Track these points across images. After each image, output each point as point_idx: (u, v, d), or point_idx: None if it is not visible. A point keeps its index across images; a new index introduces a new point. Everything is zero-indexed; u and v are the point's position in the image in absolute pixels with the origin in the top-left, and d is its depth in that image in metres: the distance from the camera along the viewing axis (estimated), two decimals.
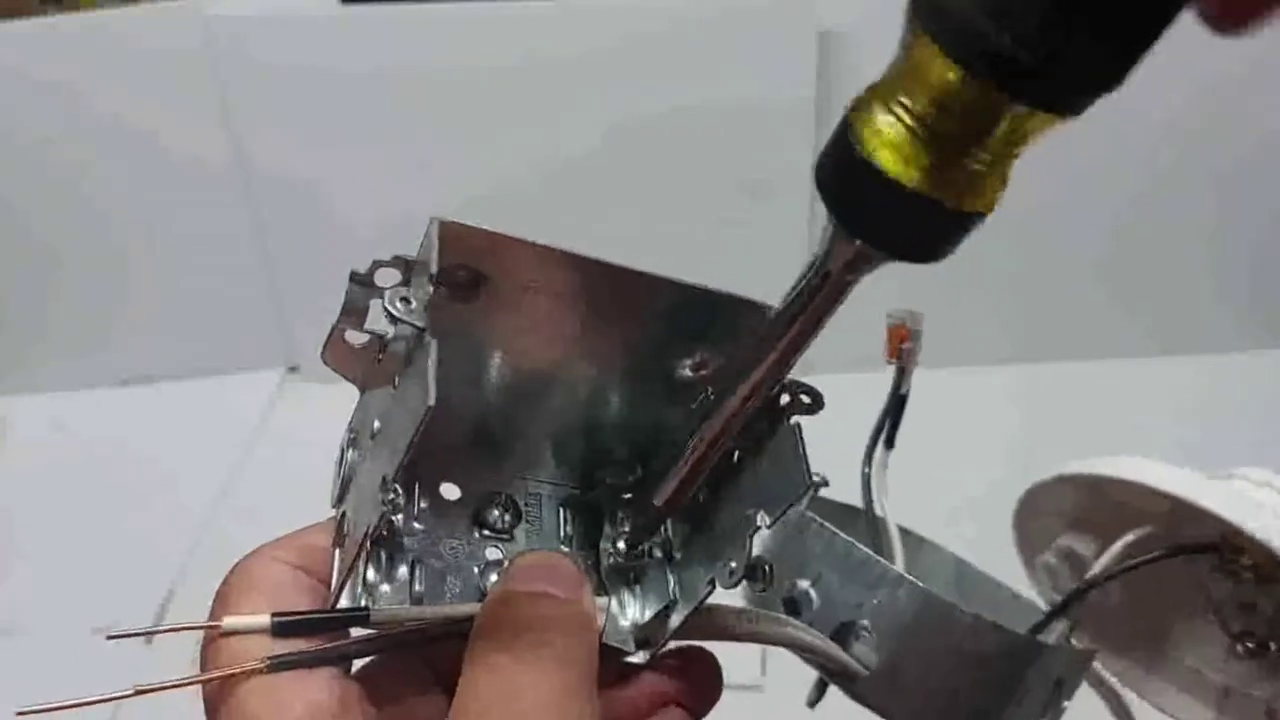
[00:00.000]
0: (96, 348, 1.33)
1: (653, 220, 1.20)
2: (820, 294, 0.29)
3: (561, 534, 0.39)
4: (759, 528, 0.33)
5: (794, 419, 0.35)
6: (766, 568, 0.33)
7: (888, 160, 0.25)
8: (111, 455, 1.21)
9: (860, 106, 0.26)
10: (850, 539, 0.43)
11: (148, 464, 1.19)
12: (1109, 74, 0.23)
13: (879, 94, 0.25)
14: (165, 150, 1.21)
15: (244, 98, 1.18)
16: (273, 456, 1.21)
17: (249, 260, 1.28)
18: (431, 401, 0.29)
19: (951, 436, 1.14)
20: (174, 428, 1.26)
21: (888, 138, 0.25)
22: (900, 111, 0.25)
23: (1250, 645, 0.51)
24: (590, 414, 0.39)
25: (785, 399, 0.35)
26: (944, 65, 0.23)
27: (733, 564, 0.33)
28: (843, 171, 0.26)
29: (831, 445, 0.41)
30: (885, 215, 0.26)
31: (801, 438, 0.34)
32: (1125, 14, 0.22)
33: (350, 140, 1.20)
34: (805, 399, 0.35)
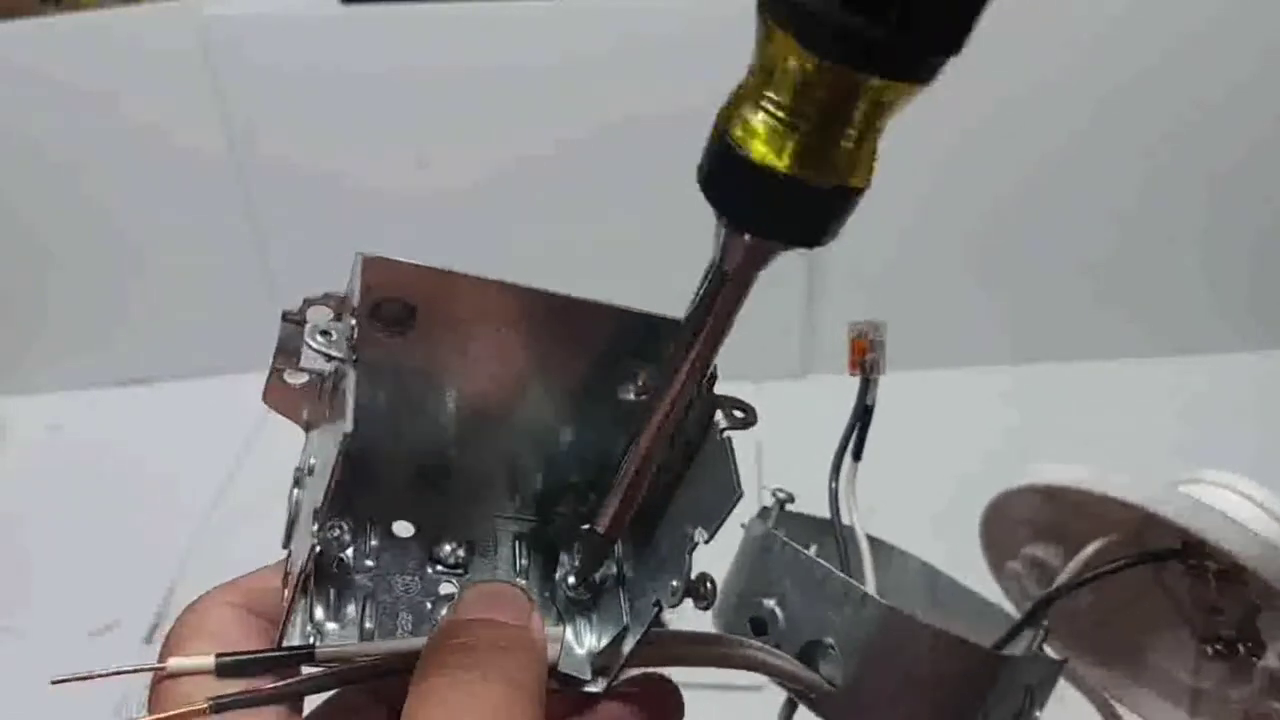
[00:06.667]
0: (94, 348, 1.33)
1: (653, 221, 1.19)
2: (723, 294, 0.30)
3: (517, 567, 0.38)
4: (697, 544, 0.33)
5: (726, 433, 0.35)
6: (708, 584, 0.34)
7: (760, 152, 0.25)
8: (110, 456, 1.21)
9: (729, 106, 0.26)
10: (813, 556, 0.43)
11: (147, 464, 1.19)
12: (954, 35, 0.24)
13: (745, 92, 0.26)
14: (164, 150, 1.21)
15: (243, 98, 1.18)
16: (272, 456, 1.20)
17: (248, 260, 1.28)
18: (349, 428, 0.29)
19: (949, 437, 1.14)
20: (173, 428, 1.26)
21: (758, 131, 0.25)
22: (766, 104, 0.25)
23: (1219, 648, 0.51)
24: (541, 445, 0.38)
25: (719, 415, 0.35)
26: (799, 54, 0.24)
27: (674, 583, 0.33)
28: (721, 171, 0.26)
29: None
30: (767, 205, 0.26)
31: (732, 451, 0.34)
32: None
33: (350, 140, 1.20)
34: (738, 414, 0.35)
